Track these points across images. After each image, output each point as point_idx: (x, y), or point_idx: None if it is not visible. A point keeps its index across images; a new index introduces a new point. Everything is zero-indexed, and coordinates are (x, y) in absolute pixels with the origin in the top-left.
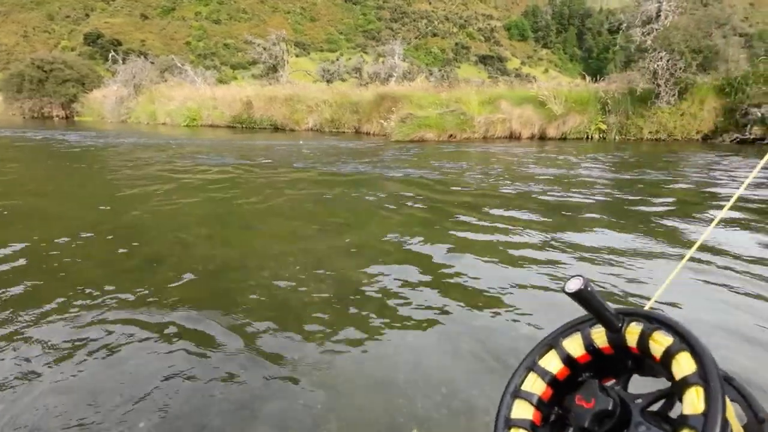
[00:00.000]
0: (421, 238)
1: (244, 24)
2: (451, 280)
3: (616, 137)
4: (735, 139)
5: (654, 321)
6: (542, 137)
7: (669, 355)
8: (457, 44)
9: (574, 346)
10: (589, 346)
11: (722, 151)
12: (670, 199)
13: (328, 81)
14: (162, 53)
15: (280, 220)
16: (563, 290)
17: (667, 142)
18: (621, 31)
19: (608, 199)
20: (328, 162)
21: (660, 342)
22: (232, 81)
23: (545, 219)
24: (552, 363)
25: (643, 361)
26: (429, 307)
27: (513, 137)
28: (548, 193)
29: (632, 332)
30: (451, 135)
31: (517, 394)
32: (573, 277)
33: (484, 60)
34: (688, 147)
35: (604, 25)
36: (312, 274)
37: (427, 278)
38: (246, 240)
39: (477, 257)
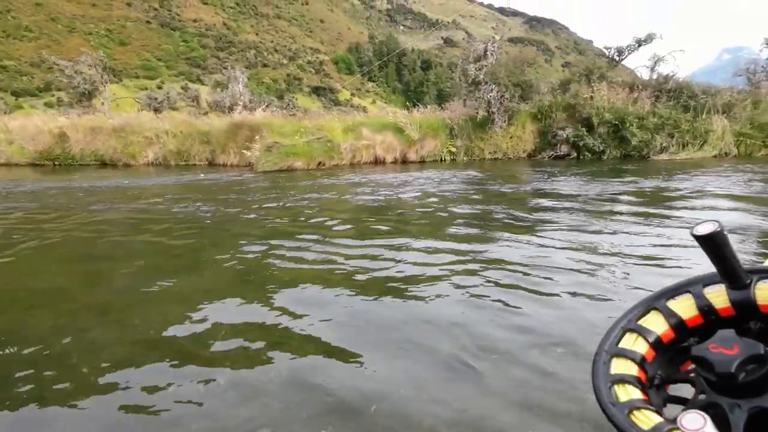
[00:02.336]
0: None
1: (29, 44)
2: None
3: (464, 158)
4: (551, 155)
5: None
6: (404, 161)
7: None
8: (288, 75)
9: (684, 307)
10: (704, 307)
11: (544, 166)
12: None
13: (156, 110)
14: None
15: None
16: (692, 233)
17: (503, 160)
18: (458, 66)
19: (470, 209)
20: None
21: None
22: (17, 111)
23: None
24: (655, 323)
25: None
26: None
27: (378, 162)
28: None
29: (764, 289)
30: (320, 163)
31: (616, 352)
32: (706, 221)
33: (316, 91)
34: (518, 163)
35: (417, 63)
36: None
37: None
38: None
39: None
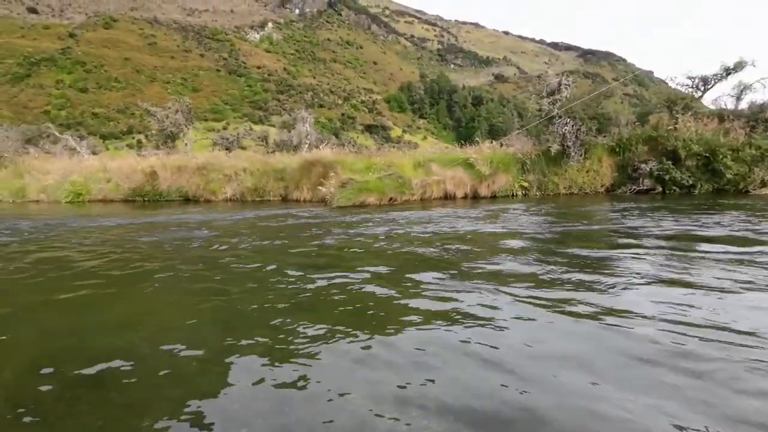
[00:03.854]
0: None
1: (117, 93)
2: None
3: (537, 193)
4: (632, 190)
5: None
6: (475, 196)
7: None
8: (343, 114)
9: None
10: None
11: (626, 201)
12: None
13: (227, 149)
14: (14, 123)
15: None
16: None
17: (579, 195)
18: (533, 99)
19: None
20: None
21: None
22: (104, 152)
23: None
24: None
25: None
26: None
27: (448, 197)
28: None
29: None
30: (391, 198)
31: None
32: None
33: (369, 129)
34: (597, 198)
35: (468, 99)
36: None
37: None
38: None
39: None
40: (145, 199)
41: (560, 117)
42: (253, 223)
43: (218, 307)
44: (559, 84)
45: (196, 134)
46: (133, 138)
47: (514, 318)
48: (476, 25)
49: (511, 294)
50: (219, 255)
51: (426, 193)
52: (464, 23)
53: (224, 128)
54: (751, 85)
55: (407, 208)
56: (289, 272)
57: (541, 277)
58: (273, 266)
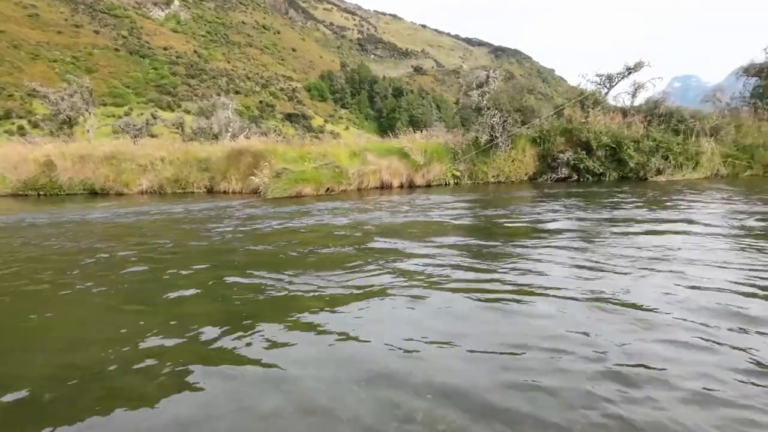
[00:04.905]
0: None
1: None
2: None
3: (468, 182)
4: (552, 178)
5: None
6: (411, 185)
7: None
8: (261, 102)
9: None
10: None
11: (547, 188)
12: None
13: (135, 137)
14: None
15: None
16: None
17: (506, 183)
18: (460, 92)
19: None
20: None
21: None
22: None
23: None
24: None
25: None
26: None
27: (384, 187)
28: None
29: None
30: (328, 188)
31: None
32: None
33: (290, 117)
34: (522, 186)
35: (388, 90)
36: None
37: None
38: None
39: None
40: (41, 193)
41: (488, 108)
42: (184, 218)
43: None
44: (487, 77)
45: (93, 120)
46: (13, 123)
47: (421, 299)
48: (394, 16)
49: (428, 281)
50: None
51: (363, 182)
52: (383, 14)
53: (126, 114)
54: (643, 84)
55: (346, 198)
56: (228, 279)
57: (463, 261)
58: (210, 271)
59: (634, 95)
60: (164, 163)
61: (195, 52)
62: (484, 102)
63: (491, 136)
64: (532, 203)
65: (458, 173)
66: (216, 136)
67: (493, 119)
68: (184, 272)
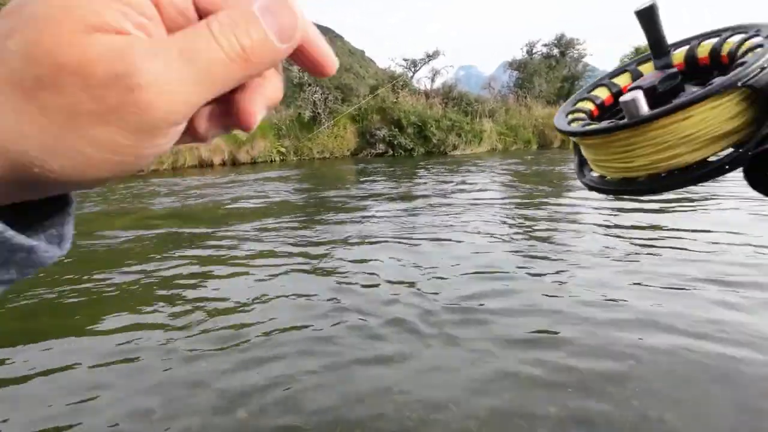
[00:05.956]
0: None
1: None
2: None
3: (294, 158)
4: (371, 153)
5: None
6: (234, 163)
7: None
8: None
9: (622, 79)
10: (638, 76)
11: (367, 163)
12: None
13: None
14: None
15: None
16: (635, 12)
17: (331, 159)
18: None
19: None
20: None
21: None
22: None
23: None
24: (601, 92)
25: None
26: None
27: (204, 165)
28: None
29: (682, 50)
30: None
31: (574, 106)
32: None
33: None
34: (347, 161)
35: None
36: None
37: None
38: None
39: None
40: None
41: (310, 85)
42: None
43: None
44: None
45: None
46: None
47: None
48: None
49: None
50: None
51: (178, 161)
52: None
53: None
54: (439, 70)
55: (158, 178)
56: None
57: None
58: None
59: (432, 80)
60: None
61: None
62: (306, 78)
63: (313, 112)
64: (361, 176)
65: (284, 149)
66: None
67: (315, 95)
68: None
